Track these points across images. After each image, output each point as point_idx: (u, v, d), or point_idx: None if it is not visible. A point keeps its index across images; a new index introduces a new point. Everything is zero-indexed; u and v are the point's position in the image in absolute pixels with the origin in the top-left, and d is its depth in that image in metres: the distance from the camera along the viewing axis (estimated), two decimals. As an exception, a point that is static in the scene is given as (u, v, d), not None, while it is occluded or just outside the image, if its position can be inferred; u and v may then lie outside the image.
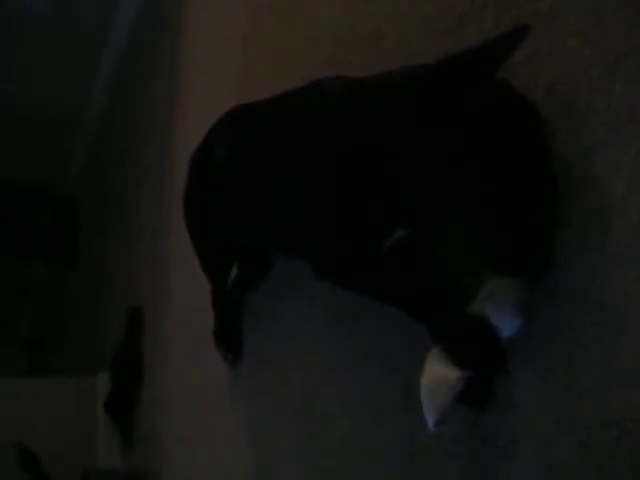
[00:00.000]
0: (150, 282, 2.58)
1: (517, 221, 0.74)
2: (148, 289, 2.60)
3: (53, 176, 4.58)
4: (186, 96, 2.30)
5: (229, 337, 1.61)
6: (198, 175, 1.36)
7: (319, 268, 1.05)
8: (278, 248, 1.23)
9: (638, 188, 0.66)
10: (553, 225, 0.74)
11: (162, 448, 2.29)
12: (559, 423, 0.73)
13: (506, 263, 0.76)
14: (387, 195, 0.88)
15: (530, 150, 0.75)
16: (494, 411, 0.83)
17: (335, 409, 1.18)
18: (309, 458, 1.26)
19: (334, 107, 0.97)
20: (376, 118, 0.88)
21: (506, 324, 0.78)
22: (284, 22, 1.51)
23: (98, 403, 2.70)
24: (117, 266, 3.24)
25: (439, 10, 0.97)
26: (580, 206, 0.72)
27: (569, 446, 0.71)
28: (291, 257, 1.21)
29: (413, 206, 0.86)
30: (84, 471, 2.53)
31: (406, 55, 1.04)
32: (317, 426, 1.24)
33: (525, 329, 0.76)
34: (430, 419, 0.83)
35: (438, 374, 0.83)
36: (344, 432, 1.15)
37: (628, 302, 0.66)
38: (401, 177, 0.86)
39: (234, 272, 1.49)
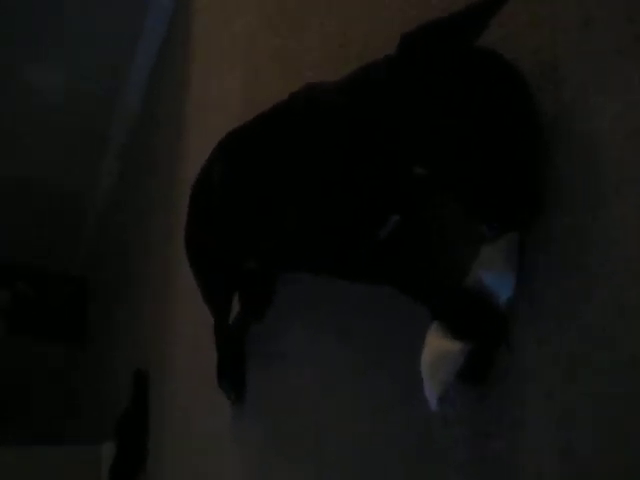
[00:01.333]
0: (156, 346, 2.56)
1: (507, 172, 0.74)
2: (154, 353, 2.58)
3: (63, 257, 4.63)
4: (186, 164, 2.36)
5: (232, 375, 1.58)
6: (197, 205, 1.38)
7: (320, 267, 1.05)
8: (282, 262, 1.23)
9: (621, 124, 0.67)
10: (540, 173, 0.74)
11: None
12: (571, 376, 0.70)
13: (499, 213, 0.76)
14: (377, 183, 0.90)
15: (516, 106, 0.76)
16: (498, 384, 0.80)
17: (338, 420, 1.15)
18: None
19: (317, 108, 1.00)
20: (358, 105, 0.90)
21: (501, 286, 0.77)
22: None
23: (102, 473, 2.61)
24: (124, 335, 3.23)
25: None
26: (568, 153, 0.72)
27: (582, 397, 0.68)
28: (295, 270, 1.21)
29: (404, 188, 0.87)
30: None
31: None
32: (328, 459, 1.20)
33: (521, 287, 0.75)
34: (432, 396, 0.80)
35: (439, 348, 0.81)
36: (346, 439, 1.11)
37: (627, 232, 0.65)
38: (390, 160, 0.87)
39: (236, 305, 1.49)
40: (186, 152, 2.41)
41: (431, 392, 0.80)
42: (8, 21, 2.76)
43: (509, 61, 0.79)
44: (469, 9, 0.76)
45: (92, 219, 4.28)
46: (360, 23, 1.21)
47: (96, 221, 4.26)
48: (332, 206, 0.97)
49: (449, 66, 0.79)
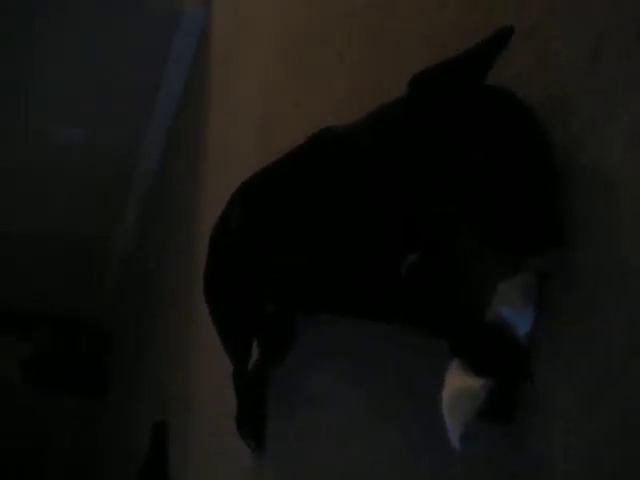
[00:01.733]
0: (176, 395, 2.55)
1: (524, 205, 0.75)
2: (174, 402, 2.57)
3: (86, 308, 4.66)
4: (205, 213, 2.39)
5: (252, 423, 1.56)
6: (216, 249, 1.40)
7: (341, 309, 1.06)
8: (301, 302, 1.23)
9: (635, 153, 0.67)
10: (558, 204, 0.75)
11: None
12: (594, 414, 0.69)
13: (519, 246, 0.75)
14: (395, 223, 0.91)
15: (529, 143, 0.77)
16: (522, 422, 0.79)
17: (364, 468, 1.13)
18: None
19: (341, 147, 1.02)
20: (379, 143, 0.91)
21: (520, 321, 0.76)
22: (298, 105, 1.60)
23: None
24: (145, 385, 3.22)
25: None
26: (583, 185, 0.73)
27: (607, 434, 0.67)
28: (314, 311, 1.21)
29: (422, 225, 0.88)
30: None
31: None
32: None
33: (540, 321, 0.75)
34: (454, 435, 0.79)
35: (460, 385, 0.80)
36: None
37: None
38: (409, 198, 0.88)
39: (255, 351, 1.48)
40: (205, 200, 2.44)
41: (453, 431, 0.79)
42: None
43: (519, 97, 0.80)
44: (475, 48, 0.78)
45: (114, 269, 4.33)
46: (373, 72, 1.24)
47: (118, 271, 4.30)
48: (352, 245, 0.98)
49: (458, 104, 0.80)
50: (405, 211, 0.89)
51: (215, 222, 1.40)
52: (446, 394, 0.80)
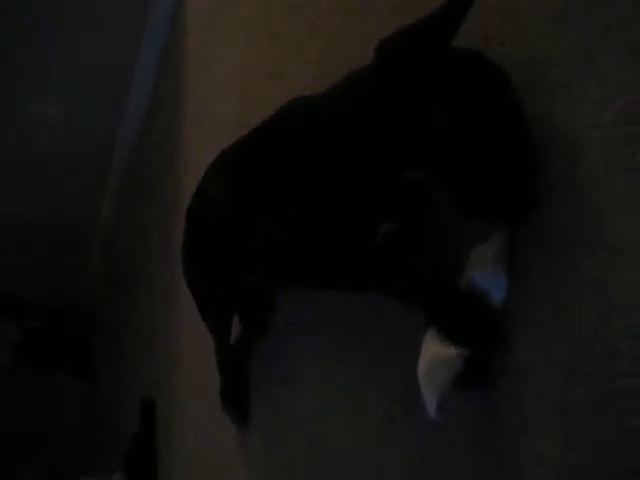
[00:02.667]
0: (163, 373, 2.55)
1: (496, 169, 0.74)
2: (161, 380, 2.56)
3: (70, 290, 4.63)
4: (188, 188, 2.35)
5: (236, 399, 1.55)
6: (194, 224, 1.38)
7: (317, 279, 1.05)
8: (279, 275, 1.22)
9: (604, 115, 0.66)
10: (531, 168, 0.73)
11: None
12: (568, 376, 0.69)
13: (490, 208, 0.74)
14: (369, 189, 0.89)
15: (500, 105, 0.75)
16: (499, 386, 0.78)
17: (342, 431, 1.13)
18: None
19: (307, 118, 1.00)
20: (348, 111, 0.90)
21: (494, 286, 0.75)
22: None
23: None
24: (131, 364, 3.21)
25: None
26: (555, 149, 0.71)
27: (581, 390, 0.67)
28: (293, 283, 1.20)
29: (395, 192, 0.86)
30: None
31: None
32: (326, 455, 1.18)
33: (515, 285, 0.74)
34: (430, 403, 0.78)
35: (435, 355, 0.79)
36: (352, 450, 1.10)
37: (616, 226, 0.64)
38: (380, 165, 0.87)
39: (236, 328, 1.48)
40: (184, 177, 2.42)
41: (430, 400, 0.78)
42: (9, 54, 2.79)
43: (489, 58, 0.78)
44: (440, 11, 0.76)
45: (97, 250, 4.30)
46: (344, 40, 1.21)
47: (101, 252, 4.27)
48: (328, 213, 0.97)
49: (427, 67, 0.79)
50: (379, 178, 0.88)
51: (192, 194, 1.38)
52: (422, 363, 0.80)
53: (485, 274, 0.76)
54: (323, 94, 0.99)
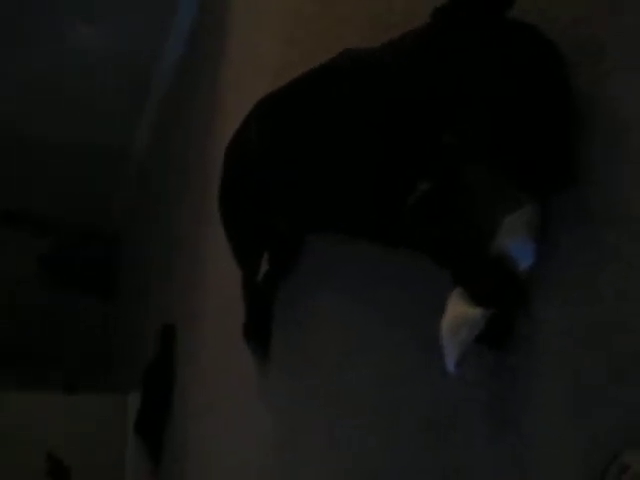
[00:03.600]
0: (185, 300, 2.62)
1: (537, 140, 0.76)
2: (183, 307, 2.64)
3: (99, 213, 4.72)
4: (222, 126, 2.38)
5: (259, 330, 1.62)
6: (232, 162, 1.41)
7: (350, 229, 1.08)
8: (313, 222, 1.25)
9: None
10: (570, 144, 0.75)
11: (189, 470, 2.28)
12: (586, 343, 0.73)
13: (525, 178, 0.77)
14: (408, 149, 0.92)
15: (549, 79, 0.77)
16: (516, 349, 0.82)
17: (359, 377, 1.18)
18: (339, 435, 1.26)
19: (362, 68, 1.02)
20: (392, 73, 0.92)
21: (522, 254, 0.78)
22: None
23: (129, 422, 2.71)
24: (154, 289, 3.30)
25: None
26: (601, 127, 0.73)
27: (598, 365, 0.71)
28: (324, 229, 1.24)
29: (433, 155, 0.89)
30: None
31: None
32: (347, 403, 1.24)
33: (542, 255, 0.77)
34: (450, 359, 0.83)
35: (460, 313, 0.83)
36: (367, 396, 1.15)
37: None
38: (422, 126, 0.89)
39: (264, 263, 1.52)
40: (223, 111, 2.43)
41: (449, 355, 0.83)
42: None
43: (542, 33, 0.80)
44: None
45: (131, 174, 4.34)
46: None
47: (135, 177, 4.32)
48: (365, 168, 1.00)
49: (481, 34, 0.80)
50: (419, 138, 0.90)
51: (233, 135, 1.41)
52: (446, 321, 0.84)
53: (515, 242, 0.79)
54: (374, 50, 1.00)
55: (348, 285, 1.29)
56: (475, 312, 0.81)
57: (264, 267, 1.55)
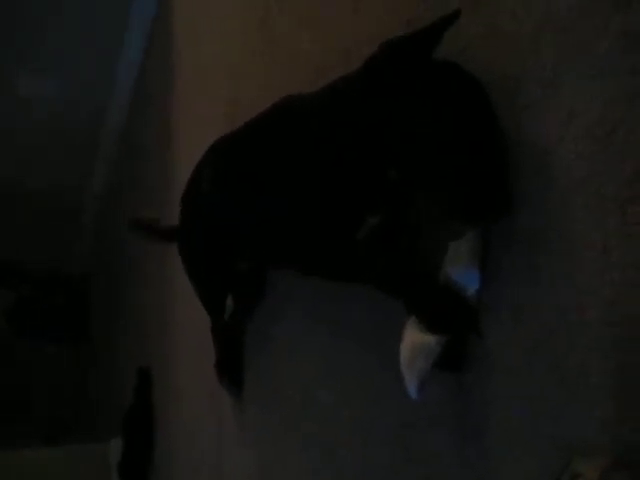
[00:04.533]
0: (158, 343, 2.63)
1: (472, 173, 0.80)
2: (156, 350, 2.64)
3: (64, 259, 4.69)
4: (177, 161, 2.41)
5: (231, 370, 1.64)
6: (189, 213, 1.44)
7: (305, 267, 1.12)
8: (269, 262, 1.29)
9: (570, 130, 0.73)
10: (503, 175, 0.80)
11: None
12: (533, 358, 0.77)
13: (465, 210, 0.81)
14: (353, 186, 0.96)
15: (476, 111, 0.82)
16: (473, 369, 0.87)
17: (331, 401, 1.22)
18: (313, 458, 1.29)
19: (293, 116, 1.07)
20: (331, 114, 0.96)
21: (468, 279, 0.83)
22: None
23: (112, 469, 2.69)
24: (126, 334, 3.29)
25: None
26: (527, 157, 0.79)
27: (546, 378, 0.75)
28: (282, 267, 1.28)
29: (379, 191, 0.93)
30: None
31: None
32: (317, 421, 1.27)
33: (486, 279, 0.82)
34: (411, 386, 0.87)
35: (415, 341, 0.87)
36: (340, 419, 1.19)
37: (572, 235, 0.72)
38: (364, 164, 0.93)
39: (230, 303, 1.55)
40: (176, 150, 2.47)
41: (410, 382, 0.87)
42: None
43: (466, 70, 0.85)
44: (425, 27, 0.83)
45: (89, 219, 4.34)
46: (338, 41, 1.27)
47: (94, 221, 4.32)
48: (315, 207, 1.04)
49: (410, 76, 0.85)
50: (364, 176, 0.94)
51: (186, 184, 1.44)
52: (404, 349, 0.88)
53: (460, 269, 0.84)
54: (313, 96, 1.05)
55: (315, 312, 1.32)
56: (430, 339, 0.85)
57: (230, 306, 1.58)
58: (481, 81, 0.84)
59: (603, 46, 0.69)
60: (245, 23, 1.77)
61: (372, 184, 0.93)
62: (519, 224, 0.80)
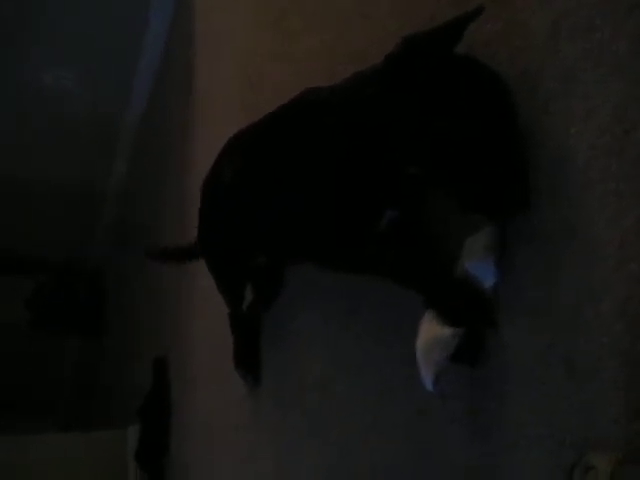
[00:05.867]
0: (175, 333, 2.65)
1: (491, 168, 0.81)
2: (173, 339, 2.67)
3: (82, 250, 4.73)
4: (196, 157, 2.43)
5: (248, 359, 1.66)
6: (209, 205, 1.45)
7: (323, 261, 1.14)
8: (288, 256, 1.30)
9: (588, 127, 0.73)
10: (522, 170, 0.81)
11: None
12: (547, 353, 0.78)
13: (482, 204, 0.82)
14: (373, 181, 0.97)
15: (496, 107, 0.83)
16: (488, 363, 0.88)
17: (348, 397, 1.23)
18: (330, 449, 1.31)
19: (312, 111, 1.08)
20: (351, 109, 0.97)
21: (484, 273, 0.84)
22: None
23: (128, 456, 2.73)
24: (143, 324, 3.33)
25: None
26: (544, 152, 0.79)
27: (559, 374, 0.76)
28: (300, 262, 1.29)
29: (399, 186, 0.94)
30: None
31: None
32: (334, 419, 1.29)
33: (503, 274, 0.83)
34: (427, 379, 0.88)
35: (432, 334, 0.88)
36: (356, 413, 1.20)
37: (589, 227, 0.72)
38: (385, 160, 0.94)
39: (249, 294, 1.57)
40: (195, 144, 2.48)
41: (426, 374, 0.88)
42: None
43: (487, 65, 0.85)
44: (445, 24, 0.83)
45: (109, 211, 4.37)
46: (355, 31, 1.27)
47: (113, 214, 4.35)
48: (336, 200, 1.05)
49: (431, 71, 0.85)
50: (383, 170, 0.95)
51: (206, 176, 1.45)
52: (420, 342, 0.89)
53: (476, 263, 0.85)
54: (333, 89, 1.05)
55: (331, 306, 1.33)
56: (446, 332, 0.86)
57: (248, 297, 1.59)
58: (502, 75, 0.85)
59: (622, 44, 0.70)
60: (260, 23, 1.78)
61: (391, 179, 0.94)
62: (536, 219, 0.81)
